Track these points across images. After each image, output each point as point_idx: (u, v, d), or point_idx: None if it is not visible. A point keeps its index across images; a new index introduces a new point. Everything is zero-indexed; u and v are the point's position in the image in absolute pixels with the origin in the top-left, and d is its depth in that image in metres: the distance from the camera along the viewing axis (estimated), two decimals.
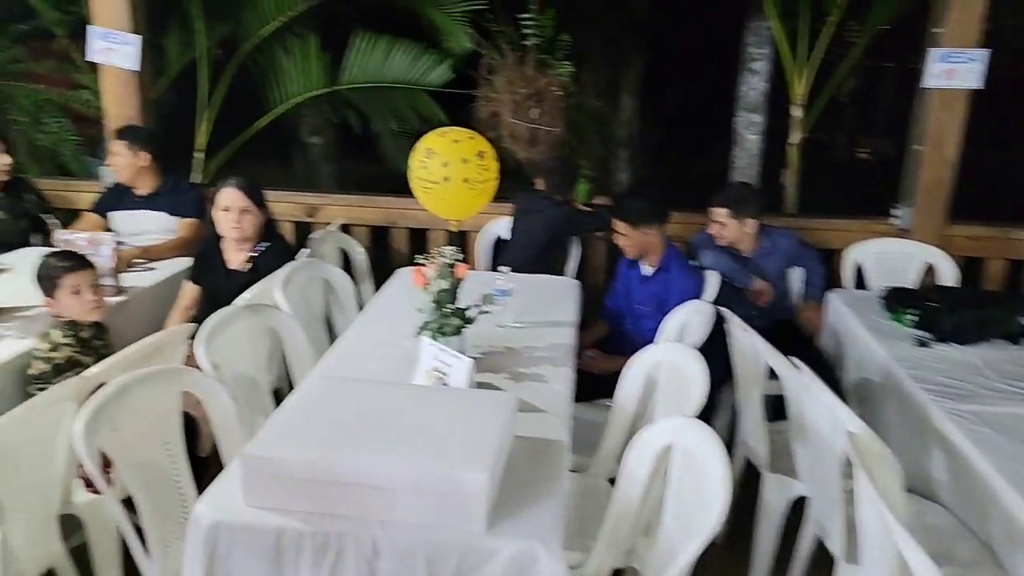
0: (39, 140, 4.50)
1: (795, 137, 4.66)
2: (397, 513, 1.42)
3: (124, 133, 3.39)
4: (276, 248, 2.90)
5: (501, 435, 1.53)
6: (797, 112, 4.60)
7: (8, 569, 1.78)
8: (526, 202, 3.48)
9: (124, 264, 2.93)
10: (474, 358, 2.01)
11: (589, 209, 3.61)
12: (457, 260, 2.12)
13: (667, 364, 2.13)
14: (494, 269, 3.11)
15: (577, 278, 3.32)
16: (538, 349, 2.36)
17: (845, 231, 3.64)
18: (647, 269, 2.92)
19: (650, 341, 2.45)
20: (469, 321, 2.13)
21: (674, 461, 1.68)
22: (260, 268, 2.80)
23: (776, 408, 2.40)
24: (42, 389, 2.08)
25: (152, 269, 3.07)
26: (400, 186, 2.79)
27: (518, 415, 1.66)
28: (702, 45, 6.70)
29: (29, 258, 2.55)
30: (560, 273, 3.39)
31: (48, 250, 2.55)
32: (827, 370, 2.80)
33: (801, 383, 2.05)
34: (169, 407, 1.92)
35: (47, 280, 2.34)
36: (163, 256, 3.20)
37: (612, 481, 1.85)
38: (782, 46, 4.50)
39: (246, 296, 2.54)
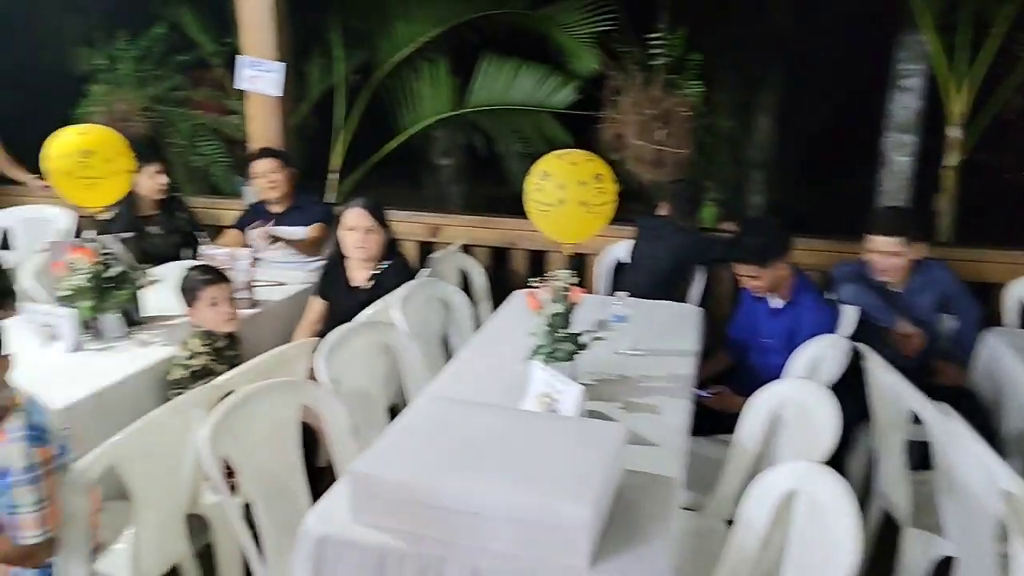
0: (194, 161, 4.90)
1: (951, 159, 4.29)
2: (498, 542, 1.39)
3: (270, 152, 3.63)
4: (397, 267, 2.97)
5: (608, 468, 1.47)
6: (954, 132, 4.23)
7: (138, 564, 1.89)
8: (648, 227, 3.39)
9: (263, 239, 3.31)
10: (586, 385, 1.95)
11: (719, 237, 3.44)
12: (572, 284, 2.08)
13: (795, 402, 1.99)
14: (612, 294, 3.04)
15: (700, 305, 3.18)
16: (654, 379, 2.27)
17: (1009, 263, 3.28)
18: (776, 302, 2.75)
19: (777, 377, 2.30)
20: (582, 347, 2.08)
21: (798, 509, 1.56)
22: (381, 286, 2.87)
23: (921, 455, 2.18)
24: (179, 394, 2.21)
25: (283, 284, 3.23)
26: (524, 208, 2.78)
27: (630, 448, 1.60)
28: (848, 61, 6.32)
29: (177, 271, 2.73)
30: (682, 300, 3.26)
31: (192, 263, 2.73)
32: (982, 418, 2.52)
33: (950, 431, 1.85)
34: (289, 418, 1.99)
35: (189, 292, 2.50)
36: (298, 250, 3.46)
37: (731, 523, 1.74)
38: (938, 61, 4.17)
39: (367, 313, 2.61)
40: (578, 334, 2.08)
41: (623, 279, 3.42)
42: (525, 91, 4.46)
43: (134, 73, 4.71)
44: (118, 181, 2.71)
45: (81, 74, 4.81)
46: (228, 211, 3.98)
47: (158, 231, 3.64)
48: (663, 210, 3.38)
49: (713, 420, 2.41)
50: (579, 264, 3.58)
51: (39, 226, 3.97)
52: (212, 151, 4.90)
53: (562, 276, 2.08)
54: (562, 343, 2.05)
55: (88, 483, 1.74)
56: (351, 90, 4.73)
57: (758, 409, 2.04)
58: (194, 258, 3.36)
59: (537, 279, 2.15)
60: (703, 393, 2.52)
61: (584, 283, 3.19)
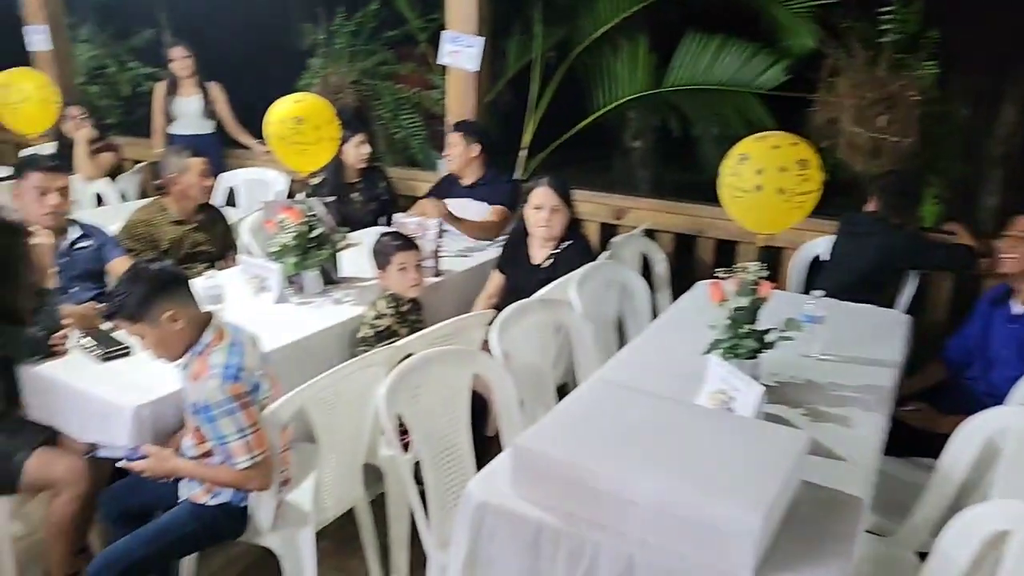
0: (396, 133, 5.15)
1: None
2: (658, 536, 1.33)
3: (460, 125, 3.73)
4: (577, 247, 2.94)
5: (784, 476, 1.35)
6: None
7: (320, 502, 2.05)
8: (854, 222, 3.09)
9: (438, 214, 3.26)
10: (767, 386, 1.82)
11: (940, 240, 3.07)
12: (761, 277, 1.94)
13: (1018, 432, 1.74)
14: (806, 292, 2.82)
15: (910, 313, 2.86)
16: (846, 388, 2.07)
17: None
18: (1018, 307, 2.41)
19: (997, 395, 2.02)
20: (767, 345, 1.94)
21: (1009, 552, 1.37)
22: (560, 265, 2.86)
23: None
24: (365, 351, 2.36)
25: (466, 256, 3.32)
26: (716, 195, 2.62)
27: (813, 460, 1.47)
28: None
29: (371, 236, 2.89)
30: (888, 305, 2.95)
31: (385, 230, 2.88)
32: None
33: None
34: (461, 385, 2.04)
35: (381, 256, 2.64)
36: (470, 231, 3.48)
37: (923, 556, 1.57)
38: None
39: (544, 291, 2.62)
40: (764, 332, 1.94)
41: (820, 277, 3.16)
42: (729, 70, 4.18)
43: (347, 48, 5.02)
44: (325, 148, 2.91)
45: (304, 48, 5.22)
46: (424, 183, 4.15)
47: (359, 198, 3.87)
48: (872, 205, 3.07)
49: (911, 439, 2.19)
50: (771, 257, 3.35)
51: (259, 187, 4.40)
52: (412, 124, 5.12)
53: (751, 268, 1.94)
54: (745, 339, 1.92)
55: (280, 422, 1.90)
56: (547, 67, 4.73)
57: (971, 434, 1.80)
58: (388, 225, 3.54)
59: (724, 270, 2.03)
60: (902, 408, 2.27)
61: (775, 278, 2.98)
